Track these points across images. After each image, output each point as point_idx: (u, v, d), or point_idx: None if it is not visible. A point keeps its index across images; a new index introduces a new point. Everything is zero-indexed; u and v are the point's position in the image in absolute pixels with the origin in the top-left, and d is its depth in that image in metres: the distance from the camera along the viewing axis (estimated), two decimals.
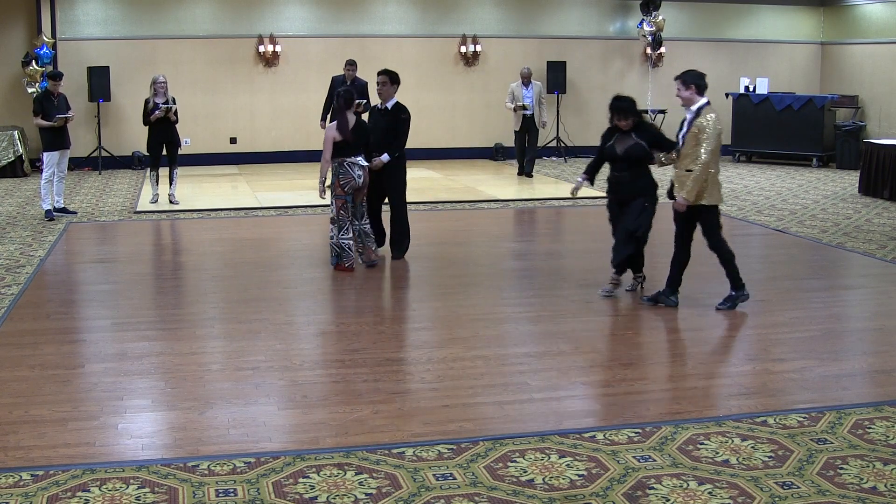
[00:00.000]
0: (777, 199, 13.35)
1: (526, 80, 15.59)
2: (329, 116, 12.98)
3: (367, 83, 13.30)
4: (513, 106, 15.51)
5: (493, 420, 5.07)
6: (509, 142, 18.33)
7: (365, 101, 12.68)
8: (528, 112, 15.41)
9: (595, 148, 8.28)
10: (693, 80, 7.12)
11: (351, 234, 8.49)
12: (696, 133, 6.99)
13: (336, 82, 13.45)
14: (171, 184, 12.61)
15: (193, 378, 5.71)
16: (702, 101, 7.07)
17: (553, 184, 14.78)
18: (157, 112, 12.09)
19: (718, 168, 7.17)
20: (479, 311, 7.32)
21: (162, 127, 12.26)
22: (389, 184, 8.93)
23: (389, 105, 8.83)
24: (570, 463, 4.47)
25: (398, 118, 8.78)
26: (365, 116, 9.52)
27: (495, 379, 5.72)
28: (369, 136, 8.65)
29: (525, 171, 15.67)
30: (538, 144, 16.26)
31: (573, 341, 6.51)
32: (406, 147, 9.05)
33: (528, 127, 15.56)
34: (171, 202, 12.48)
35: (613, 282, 7.82)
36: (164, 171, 12.69)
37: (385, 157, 8.70)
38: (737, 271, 7.32)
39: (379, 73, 9.09)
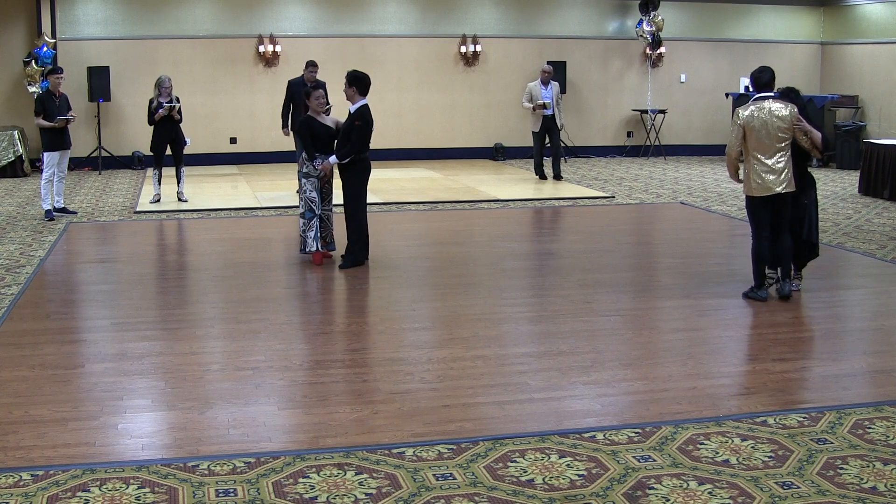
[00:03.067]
0: None
1: (546, 79, 14.98)
2: (290, 121, 12.69)
3: (325, 83, 13.01)
4: (531, 105, 14.94)
5: (493, 420, 5.07)
6: (509, 142, 18.38)
7: (328, 105, 12.11)
8: (547, 112, 14.81)
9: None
10: (751, 76, 7.49)
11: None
12: None
13: (293, 85, 12.81)
14: (178, 182, 12.66)
15: (193, 378, 5.71)
16: (757, 95, 7.38)
17: (553, 184, 14.77)
18: (160, 111, 12.11)
19: (758, 159, 7.28)
20: (479, 311, 7.32)
21: (166, 126, 12.30)
22: (343, 186, 8.84)
23: (352, 109, 8.72)
24: (570, 463, 4.47)
25: (352, 123, 8.69)
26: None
27: (495, 379, 5.72)
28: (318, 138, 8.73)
29: (554, 176, 15.06)
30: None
31: (573, 341, 6.50)
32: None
33: (548, 127, 14.94)
34: (179, 200, 12.57)
35: (797, 277, 7.91)
36: (167, 171, 12.72)
37: (332, 159, 8.60)
38: (756, 270, 7.44)
39: None
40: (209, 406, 5.23)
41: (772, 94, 7.34)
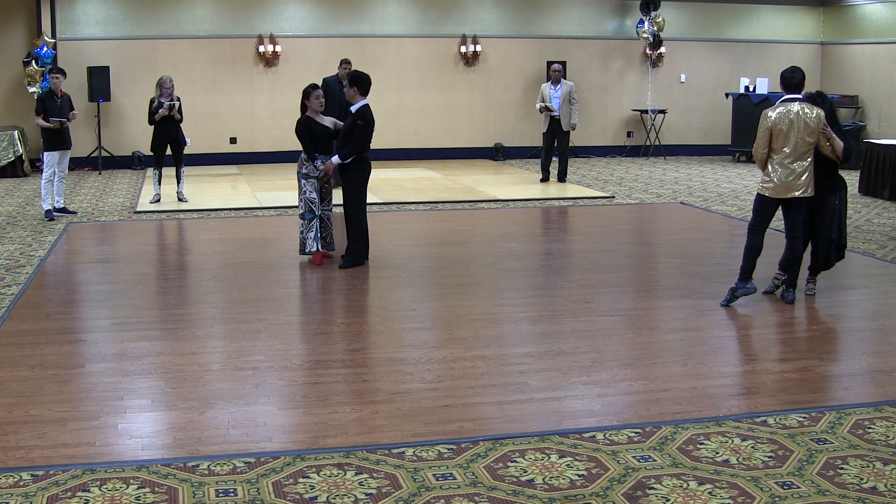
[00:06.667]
0: None
1: (555, 79, 14.80)
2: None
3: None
4: (539, 107, 14.83)
5: (493, 420, 5.07)
6: (509, 142, 18.38)
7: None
8: (555, 113, 14.63)
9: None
10: (780, 77, 7.39)
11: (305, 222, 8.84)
12: None
13: (329, 83, 13.00)
14: (178, 182, 12.67)
15: (193, 378, 5.71)
16: (785, 97, 7.27)
17: (553, 184, 14.77)
18: (161, 111, 12.11)
19: (779, 160, 7.16)
20: (479, 311, 7.32)
21: (166, 126, 12.30)
22: (343, 187, 8.86)
23: (353, 108, 8.73)
24: (570, 463, 4.47)
25: (353, 123, 8.70)
26: None
27: (495, 379, 5.72)
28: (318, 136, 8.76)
29: (558, 177, 14.88)
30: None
31: (573, 341, 6.51)
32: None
33: (556, 129, 14.75)
34: (179, 200, 12.58)
35: (811, 281, 7.87)
36: (167, 171, 12.72)
37: (334, 159, 8.61)
38: (746, 264, 7.35)
39: None
40: (209, 406, 5.23)
41: (800, 96, 7.25)
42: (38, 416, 5.04)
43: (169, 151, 12.53)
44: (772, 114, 7.15)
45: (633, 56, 18.89)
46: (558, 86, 14.78)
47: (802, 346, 6.51)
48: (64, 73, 11.71)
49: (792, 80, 7.24)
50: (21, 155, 15.43)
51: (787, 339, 6.76)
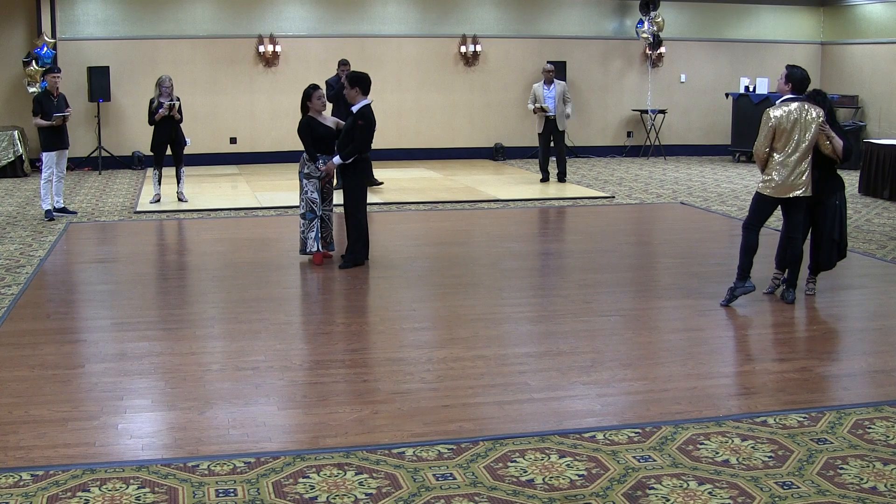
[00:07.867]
0: None
1: (548, 79, 14.73)
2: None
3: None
4: (533, 107, 14.76)
5: (493, 420, 5.07)
6: (509, 142, 18.38)
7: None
8: (550, 114, 14.56)
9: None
10: (790, 75, 7.32)
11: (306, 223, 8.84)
12: None
13: (331, 84, 13.03)
14: (178, 182, 12.66)
15: (193, 378, 5.71)
16: (787, 96, 7.26)
17: (553, 184, 14.77)
18: (160, 111, 12.11)
19: (781, 160, 7.15)
20: (479, 311, 7.32)
21: (166, 126, 12.30)
22: (343, 187, 8.87)
23: (354, 109, 8.72)
24: (570, 463, 4.47)
25: (354, 123, 8.70)
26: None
27: (495, 379, 5.72)
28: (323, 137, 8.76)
29: (558, 177, 14.84)
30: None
31: (573, 341, 6.51)
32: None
33: (551, 129, 14.69)
34: (179, 200, 12.58)
35: (811, 281, 7.86)
36: (167, 171, 12.72)
37: (336, 160, 8.60)
38: (743, 263, 7.35)
39: None
40: (209, 406, 5.23)
41: (802, 96, 7.26)
42: (38, 416, 5.04)
43: (169, 151, 12.53)
44: (774, 113, 7.15)
45: (632, 56, 18.89)
46: (551, 86, 14.73)
47: (802, 346, 6.52)
48: (59, 72, 11.72)
49: (805, 81, 7.25)
50: (21, 155, 15.43)
51: (787, 339, 6.76)
